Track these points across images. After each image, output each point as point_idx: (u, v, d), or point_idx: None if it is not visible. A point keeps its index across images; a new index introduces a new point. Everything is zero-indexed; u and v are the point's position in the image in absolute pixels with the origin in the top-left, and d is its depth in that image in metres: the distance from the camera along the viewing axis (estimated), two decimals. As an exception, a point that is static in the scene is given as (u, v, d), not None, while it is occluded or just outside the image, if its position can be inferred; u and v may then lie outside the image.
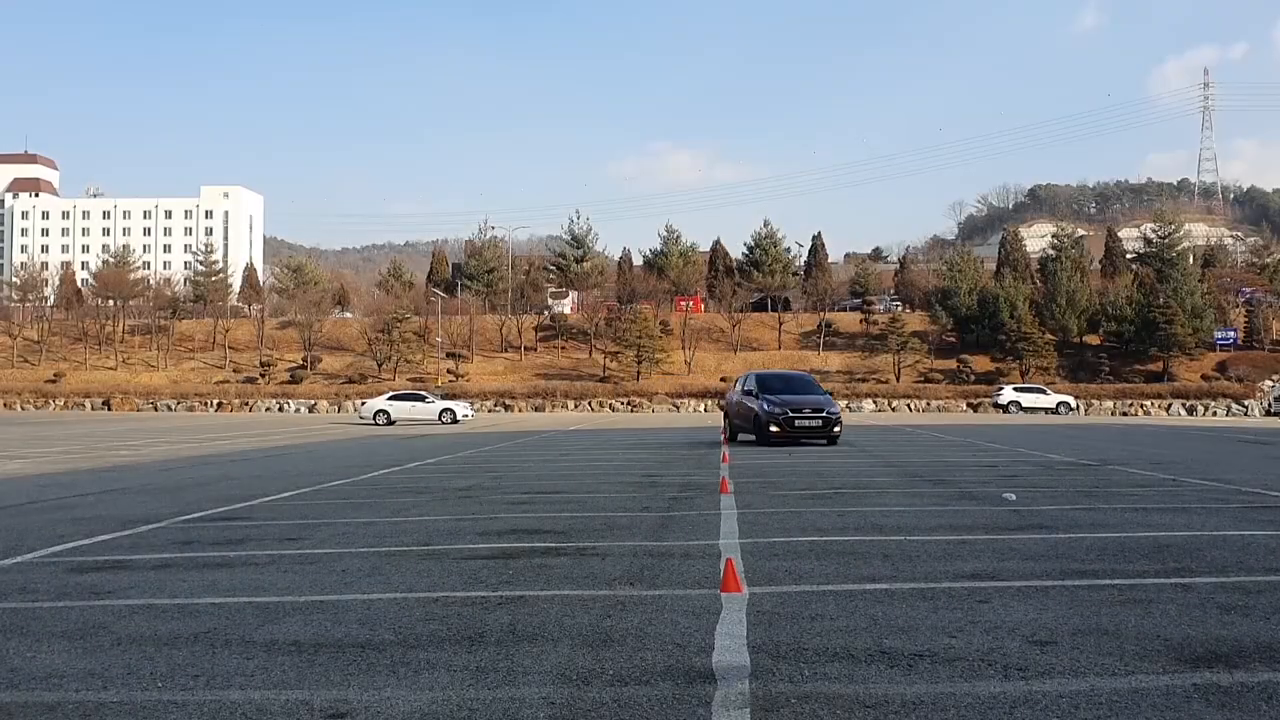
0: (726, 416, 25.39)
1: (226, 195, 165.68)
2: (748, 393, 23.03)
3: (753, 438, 22.42)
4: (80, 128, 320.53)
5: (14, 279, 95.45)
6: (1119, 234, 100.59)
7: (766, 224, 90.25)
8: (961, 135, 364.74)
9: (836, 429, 21.43)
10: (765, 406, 21.16)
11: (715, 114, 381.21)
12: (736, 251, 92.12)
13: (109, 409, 68.52)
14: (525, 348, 79.64)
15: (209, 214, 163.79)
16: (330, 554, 7.82)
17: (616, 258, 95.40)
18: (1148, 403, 64.64)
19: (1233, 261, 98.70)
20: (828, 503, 10.98)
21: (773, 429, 20.64)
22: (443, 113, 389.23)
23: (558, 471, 16.02)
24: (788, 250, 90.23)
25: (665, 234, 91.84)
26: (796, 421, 20.74)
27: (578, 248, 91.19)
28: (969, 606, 5.64)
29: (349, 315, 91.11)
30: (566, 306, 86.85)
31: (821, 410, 21.17)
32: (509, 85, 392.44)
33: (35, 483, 14.43)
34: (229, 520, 10.00)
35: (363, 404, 47.97)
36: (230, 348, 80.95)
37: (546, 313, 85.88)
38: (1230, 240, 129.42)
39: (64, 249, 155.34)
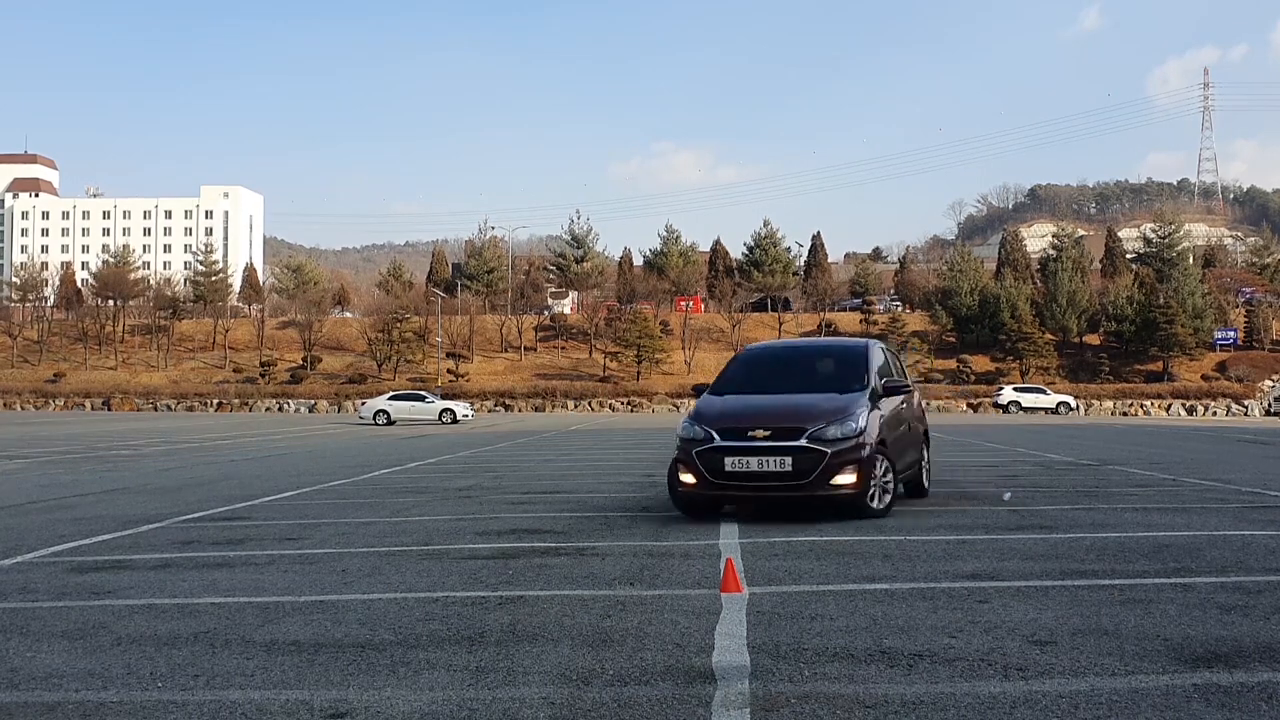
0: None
1: (226, 195, 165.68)
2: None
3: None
4: (80, 128, 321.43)
5: (14, 279, 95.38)
6: (1119, 234, 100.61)
7: (766, 224, 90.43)
8: (961, 135, 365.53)
9: (845, 479, 9.06)
10: (688, 428, 9.66)
11: (718, 114, 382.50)
12: (736, 251, 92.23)
13: (109, 409, 68.52)
14: (525, 348, 79.61)
15: (209, 214, 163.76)
16: (330, 554, 7.82)
17: (617, 258, 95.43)
18: (1148, 403, 64.67)
19: (1233, 261, 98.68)
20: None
21: (684, 478, 9.43)
22: (443, 113, 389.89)
23: (558, 471, 16.02)
24: (788, 250, 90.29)
25: (665, 234, 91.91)
26: (728, 461, 9.12)
27: (578, 248, 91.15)
28: (969, 606, 5.63)
29: (349, 315, 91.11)
30: (566, 306, 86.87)
31: (802, 429, 9.07)
32: (510, 85, 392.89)
33: (35, 482, 14.42)
34: (229, 520, 10.00)
35: (363, 404, 47.98)
36: (230, 348, 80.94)
37: (546, 313, 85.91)
38: (1230, 240, 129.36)
39: (64, 249, 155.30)
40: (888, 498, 9.47)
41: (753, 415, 9.43)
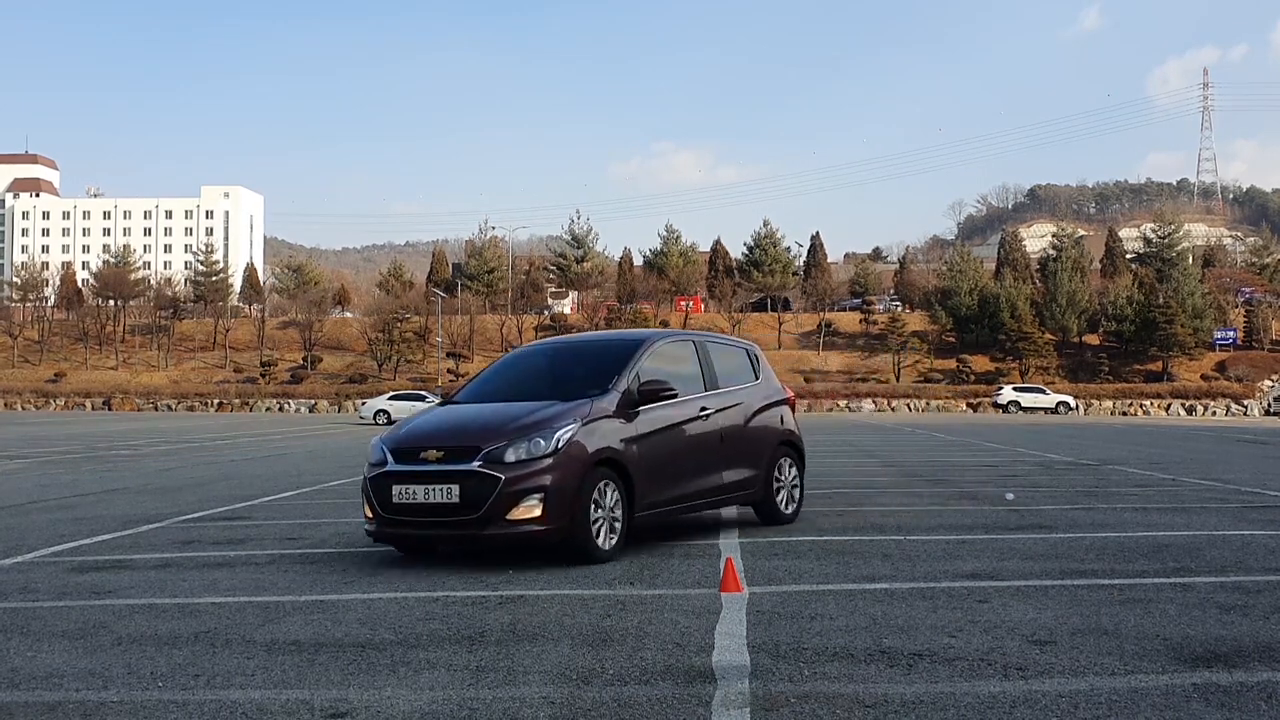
0: None
1: (226, 195, 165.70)
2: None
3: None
4: (80, 128, 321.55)
5: (14, 279, 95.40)
6: (1119, 234, 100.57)
7: (766, 224, 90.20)
8: (961, 135, 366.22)
9: (527, 513, 6.93)
10: (374, 448, 7.65)
11: (718, 114, 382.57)
12: (736, 251, 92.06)
13: (109, 409, 68.53)
14: (525, 348, 79.51)
15: (209, 214, 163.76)
16: (330, 554, 7.83)
17: (617, 258, 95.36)
18: (1147, 402, 64.70)
19: (1232, 261, 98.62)
20: (828, 502, 10.97)
21: (365, 511, 7.50)
22: (443, 113, 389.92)
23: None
24: (788, 250, 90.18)
25: (665, 234, 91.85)
26: (395, 491, 7.13)
27: (578, 248, 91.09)
28: (969, 606, 5.64)
29: (349, 315, 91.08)
30: (567, 306, 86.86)
31: (477, 449, 7.04)
32: (510, 85, 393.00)
33: (36, 482, 14.43)
34: (229, 520, 10.01)
35: (363, 404, 47.99)
36: (231, 348, 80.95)
37: (547, 313, 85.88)
38: (1230, 240, 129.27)
39: (64, 249, 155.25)
40: (616, 535, 7.28)
41: (436, 432, 7.44)
